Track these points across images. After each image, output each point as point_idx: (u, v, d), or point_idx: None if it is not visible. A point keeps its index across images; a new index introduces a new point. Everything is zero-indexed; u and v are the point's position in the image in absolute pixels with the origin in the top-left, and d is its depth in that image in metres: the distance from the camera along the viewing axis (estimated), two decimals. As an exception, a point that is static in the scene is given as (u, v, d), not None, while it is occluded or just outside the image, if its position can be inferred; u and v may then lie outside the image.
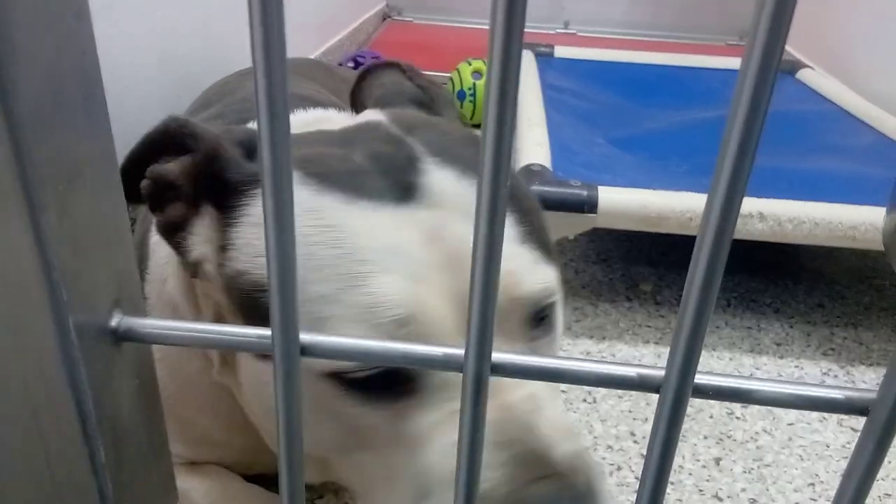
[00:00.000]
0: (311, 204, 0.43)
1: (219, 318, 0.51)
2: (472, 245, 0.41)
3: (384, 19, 2.79)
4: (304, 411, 0.42)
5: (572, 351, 1.02)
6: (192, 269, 0.50)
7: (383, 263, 0.41)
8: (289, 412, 0.24)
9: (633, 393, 0.94)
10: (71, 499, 0.25)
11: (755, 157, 0.19)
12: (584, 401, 0.92)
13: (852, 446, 0.86)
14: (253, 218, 0.46)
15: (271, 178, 0.20)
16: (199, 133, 0.47)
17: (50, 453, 0.24)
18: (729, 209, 0.19)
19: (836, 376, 1.00)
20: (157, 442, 0.27)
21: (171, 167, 0.48)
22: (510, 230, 0.46)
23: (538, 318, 0.47)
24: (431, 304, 0.41)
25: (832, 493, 0.79)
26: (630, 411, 0.91)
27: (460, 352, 0.24)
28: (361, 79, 0.66)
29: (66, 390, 0.22)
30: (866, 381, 0.99)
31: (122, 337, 0.23)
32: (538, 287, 0.45)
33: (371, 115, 0.58)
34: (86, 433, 0.23)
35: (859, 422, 0.91)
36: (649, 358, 1.02)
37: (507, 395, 0.43)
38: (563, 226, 1.01)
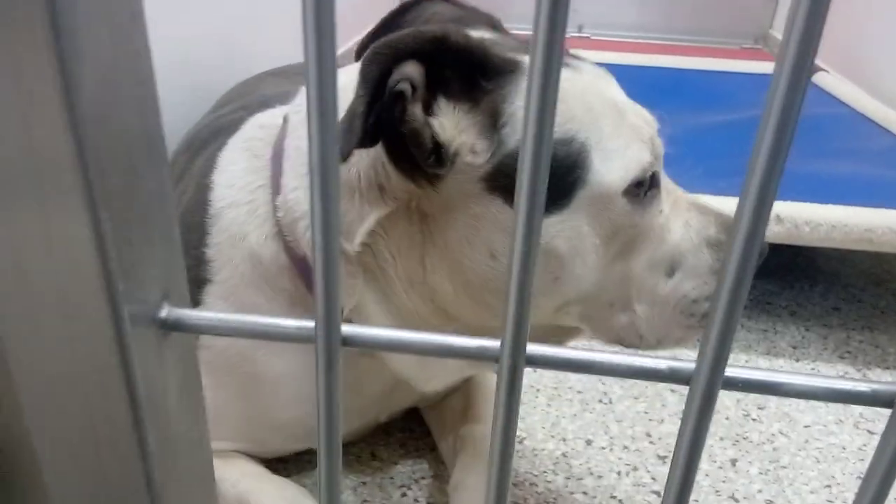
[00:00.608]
0: (580, 81, 0.58)
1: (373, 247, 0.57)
2: (624, 98, 0.61)
3: (398, 23, 2.80)
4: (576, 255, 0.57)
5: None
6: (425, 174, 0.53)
7: (621, 102, 0.59)
8: (329, 402, 0.25)
9: (649, 394, 0.95)
10: (117, 483, 0.26)
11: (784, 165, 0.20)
12: (600, 401, 0.93)
13: (869, 448, 0.86)
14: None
15: (320, 179, 0.21)
16: (444, 33, 0.49)
17: (99, 439, 0.25)
18: (764, 197, 0.20)
19: (852, 379, 1.00)
20: (198, 429, 0.28)
21: (412, 69, 0.48)
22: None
23: None
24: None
25: (848, 496, 0.79)
26: (646, 412, 0.92)
27: (496, 343, 0.25)
28: (405, 12, 0.69)
29: (117, 378, 0.23)
30: (883, 384, 0.99)
31: (171, 327, 0.24)
32: None
33: None
34: (136, 420, 0.24)
35: (876, 424, 0.91)
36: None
37: (675, 194, 0.63)
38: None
